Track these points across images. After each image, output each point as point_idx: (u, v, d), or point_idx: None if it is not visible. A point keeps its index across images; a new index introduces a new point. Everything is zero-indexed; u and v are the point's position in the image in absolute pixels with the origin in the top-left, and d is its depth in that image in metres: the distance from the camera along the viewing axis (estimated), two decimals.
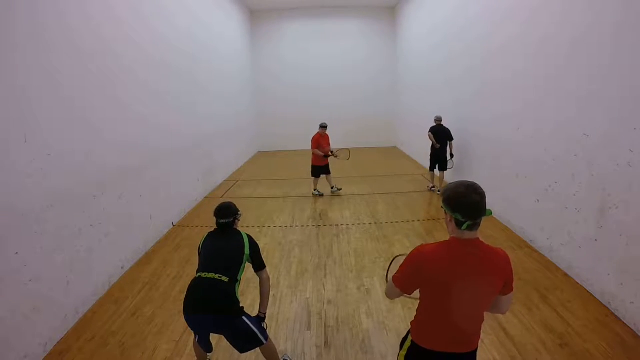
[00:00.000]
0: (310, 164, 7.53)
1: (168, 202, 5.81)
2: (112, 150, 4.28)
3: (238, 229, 2.63)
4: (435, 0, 8.88)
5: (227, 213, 2.50)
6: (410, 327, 1.81)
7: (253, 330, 2.37)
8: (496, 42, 5.69)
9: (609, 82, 3.39)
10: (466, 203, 1.48)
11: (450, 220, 1.56)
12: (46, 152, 3.19)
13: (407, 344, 1.79)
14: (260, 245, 4.93)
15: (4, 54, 2.80)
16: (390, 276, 1.75)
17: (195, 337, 2.50)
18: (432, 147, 7.26)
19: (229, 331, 2.35)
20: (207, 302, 2.25)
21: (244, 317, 2.35)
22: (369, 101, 13.75)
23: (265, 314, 2.59)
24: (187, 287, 2.38)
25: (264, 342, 2.44)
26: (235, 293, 2.35)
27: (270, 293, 3.81)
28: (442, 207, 1.59)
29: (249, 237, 2.56)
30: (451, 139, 7.15)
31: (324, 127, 7.37)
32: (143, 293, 3.94)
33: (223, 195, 7.78)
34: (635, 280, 3.07)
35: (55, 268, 3.25)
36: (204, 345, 2.52)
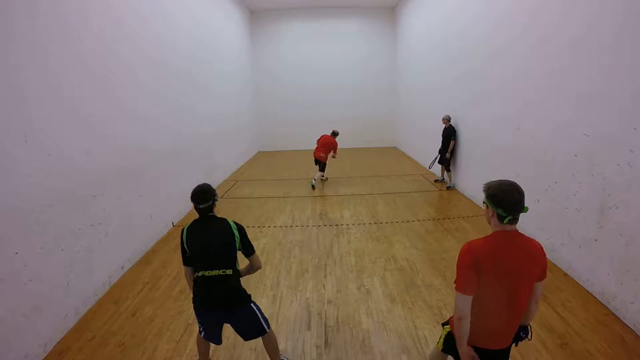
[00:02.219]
0: (323, 162, 8.21)
1: (168, 202, 5.81)
2: (112, 150, 4.28)
3: (219, 216, 2.45)
4: (435, 0, 8.88)
5: (205, 196, 2.29)
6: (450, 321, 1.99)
7: (258, 318, 2.42)
8: (496, 42, 5.69)
9: (609, 82, 3.39)
10: (509, 200, 1.67)
11: (492, 215, 1.74)
12: (46, 152, 3.19)
13: (444, 332, 1.98)
14: (260, 245, 5.03)
15: (4, 53, 2.81)
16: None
17: (200, 332, 2.51)
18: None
19: (238, 318, 2.39)
20: (218, 299, 2.29)
21: (252, 305, 2.43)
22: (369, 101, 13.75)
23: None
24: (186, 286, 2.39)
25: (267, 330, 2.47)
26: (240, 282, 2.39)
27: (270, 293, 3.84)
28: (484, 202, 1.77)
29: (235, 222, 2.40)
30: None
31: (336, 134, 8.56)
32: (143, 293, 3.94)
33: (223, 195, 7.78)
34: (635, 280, 3.07)
35: (55, 268, 3.25)
36: (215, 339, 2.52)
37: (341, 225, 5.79)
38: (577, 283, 3.82)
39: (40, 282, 3.04)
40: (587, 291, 3.67)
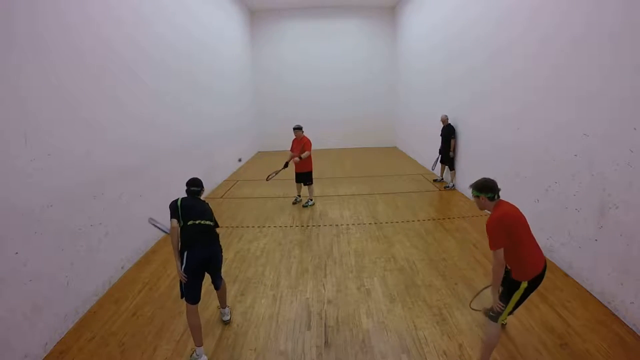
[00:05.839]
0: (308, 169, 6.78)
1: (168, 202, 5.77)
2: (112, 150, 4.27)
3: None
4: (435, 1, 8.88)
5: (198, 183, 3.31)
6: (517, 278, 2.52)
7: (222, 256, 3.23)
8: (496, 42, 5.68)
9: (609, 82, 3.39)
10: (491, 185, 2.58)
11: (484, 200, 2.58)
12: (46, 152, 3.19)
13: (522, 287, 2.50)
14: (260, 245, 5.03)
15: (4, 53, 2.81)
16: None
17: (183, 296, 2.88)
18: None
19: (213, 253, 3.06)
20: (203, 238, 3.00)
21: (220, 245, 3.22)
22: (369, 101, 13.74)
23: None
24: None
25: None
26: (215, 230, 3.21)
27: (270, 293, 3.84)
28: (476, 195, 2.61)
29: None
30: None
31: (296, 128, 6.65)
32: (143, 293, 3.94)
33: (223, 195, 7.78)
34: (635, 280, 3.07)
35: (55, 268, 3.25)
36: (197, 292, 2.91)
37: (341, 225, 5.79)
38: (577, 283, 3.82)
39: (40, 282, 3.04)
40: (587, 291, 3.66)
